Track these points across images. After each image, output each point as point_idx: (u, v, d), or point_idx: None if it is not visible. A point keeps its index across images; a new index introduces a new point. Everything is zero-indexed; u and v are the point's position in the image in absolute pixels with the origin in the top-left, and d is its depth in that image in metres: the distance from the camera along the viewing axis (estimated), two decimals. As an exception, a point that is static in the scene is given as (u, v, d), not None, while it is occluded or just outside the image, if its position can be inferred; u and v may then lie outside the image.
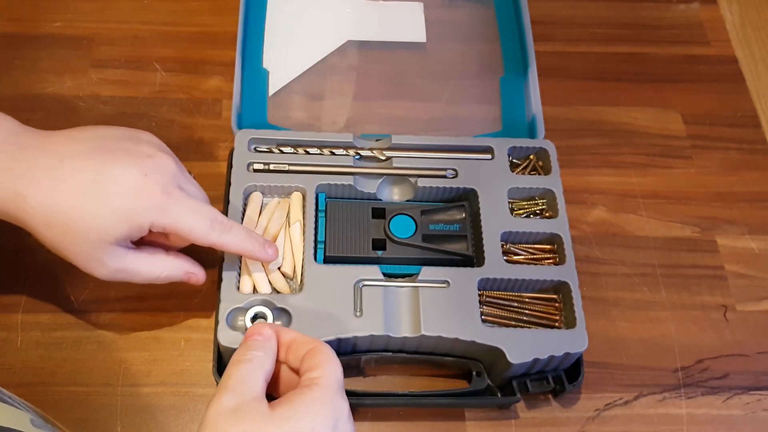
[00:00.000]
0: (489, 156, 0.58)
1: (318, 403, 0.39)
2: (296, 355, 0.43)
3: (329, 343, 0.49)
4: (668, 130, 0.68)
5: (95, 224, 0.44)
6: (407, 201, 0.58)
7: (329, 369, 0.41)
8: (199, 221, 0.47)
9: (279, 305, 0.50)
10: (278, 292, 0.52)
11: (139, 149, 0.47)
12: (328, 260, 0.53)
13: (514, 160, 0.60)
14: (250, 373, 0.41)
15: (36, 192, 0.44)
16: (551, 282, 0.54)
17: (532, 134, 0.62)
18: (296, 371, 0.43)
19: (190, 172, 0.51)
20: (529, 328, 0.53)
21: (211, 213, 0.48)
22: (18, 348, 0.53)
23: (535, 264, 0.55)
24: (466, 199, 0.57)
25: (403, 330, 0.50)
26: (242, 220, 0.54)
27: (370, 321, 0.50)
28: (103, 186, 0.45)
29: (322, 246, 0.54)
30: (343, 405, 0.41)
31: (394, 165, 0.57)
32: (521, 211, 0.57)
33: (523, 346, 0.50)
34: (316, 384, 0.40)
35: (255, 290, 0.52)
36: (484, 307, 0.53)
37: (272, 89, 0.64)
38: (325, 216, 0.55)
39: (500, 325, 0.53)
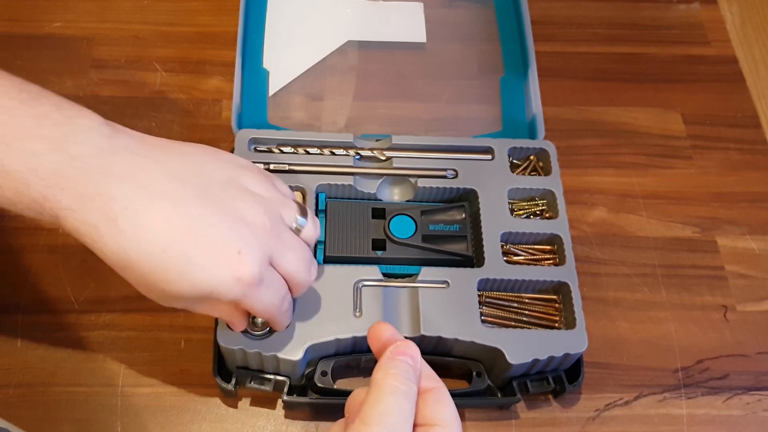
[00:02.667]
0: (489, 156, 0.58)
1: None
2: None
3: (329, 343, 0.49)
4: (668, 130, 0.68)
5: (173, 290, 0.39)
6: (407, 201, 0.58)
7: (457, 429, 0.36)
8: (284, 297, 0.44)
9: (279, 305, 0.50)
10: (278, 293, 0.52)
11: (238, 206, 0.41)
12: (327, 260, 0.53)
13: (514, 161, 0.60)
14: (406, 411, 0.35)
15: (114, 236, 0.38)
16: (551, 282, 0.54)
17: (532, 134, 0.62)
18: None
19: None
20: (528, 328, 0.53)
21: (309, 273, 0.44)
22: (18, 348, 0.53)
23: (535, 264, 0.55)
24: (466, 199, 0.57)
25: (403, 330, 0.50)
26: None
27: (370, 321, 0.50)
28: (192, 257, 0.39)
29: (322, 246, 0.54)
30: None
31: (394, 165, 0.57)
32: (521, 212, 0.57)
33: (522, 347, 0.50)
34: None
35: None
36: (484, 307, 0.53)
37: (272, 89, 0.64)
38: (325, 216, 0.55)
39: (500, 325, 0.53)
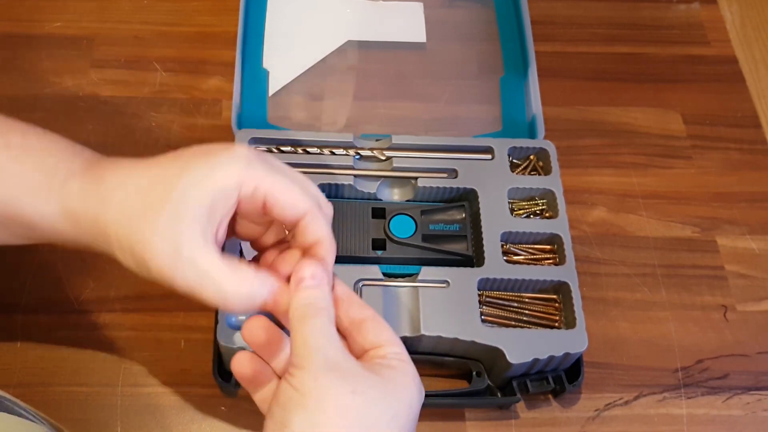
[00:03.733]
0: (489, 156, 0.58)
1: (413, 381, 0.36)
2: (343, 316, 0.38)
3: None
4: (668, 130, 0.68)
5: (176, 194, 0.36)
6: (407, 201, 0.58)
7: (405, 350, 0.37)
8: (302, 185, 0.39)
9: (279, 305, 0.50)
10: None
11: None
12: (328, 260, 0.53)
13: (514, 161, 0.60)
14: (328, 328, 0.36)
15: (111, 191, 0.37)
16: (551, 282, 0.54)
17: (532, 134, 0.62)
18: (341, 332, 0.38)
19: None
20: (528, 328, 0.53)
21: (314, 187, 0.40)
22: (18, 348, 0.53)
23: (535, 264, 0.55)
24: (466, 199, 0.57)
25: (403, 330, 0.50)
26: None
27: (370, 321, 0.50)
28: (178, 165, 0.37)
29: (322, 246, 0.54)
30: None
31: (394, 165, 0.57)
32: (521, 212, 0.57)
33: (522, 346, 0.50)
34: (404, 361, 0.37)
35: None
36: (484, 307, 0.53)
37: (272, 89, 0.64)
38: (325, 216, 0.55)
39: (500, 325, 0.53)
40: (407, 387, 0.36)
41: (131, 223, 0.36)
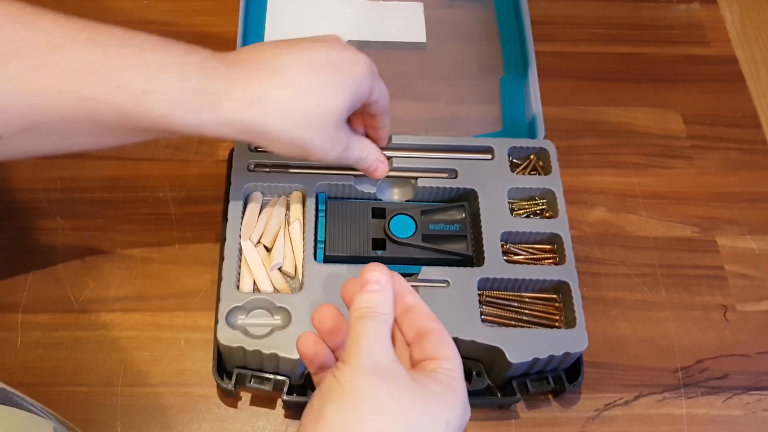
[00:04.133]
0: (489, 156, 0.58)
1: (458, 399, 0.37)
2: (411, 325, 0.40)
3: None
4: (668, 130, 0.68)
5: (328, 100, 0.44)
6: (407, 201, 0.58)
7: (460, 370, 0.38)
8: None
9: (279, 304, 0.50)
10: (278, 291, 0.52)
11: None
12: (328, 260, 0.53)
13: (514, 160, 0.60)
14: (381, 332, 0.37)
15: (270, 88, 0.43)
16: (551, 282, 0.54)
17: (532, 134, 0.62)
18: (406, 341, 0.40)
19: None
20: (528, 327, 0.53)
21: None
22: (18, 348, 0.53)
23: (535, 264, 0.55)
24: (466, 199, 0.57)
25: (403, 330, 0.50)
26: (242, 219, 0.54)
27: (370, 321, 0.50)
28: (322, 68, 0.45)
29: (322, 245, 0.54)
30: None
31: (394, 165, 0.57)
32: (521, 211, 0.57)
33: (522, 346, 0.50)
34: (454, 379, 0.37)
35: (255, 289, 0.52)
36: (484, 306, 0.53)
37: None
38: (325, 216, 0.55)
39: (500, 324, 0.53)
40: (448, 403, 0.36)
41: (293, 131, 0.44)
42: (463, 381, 0.38)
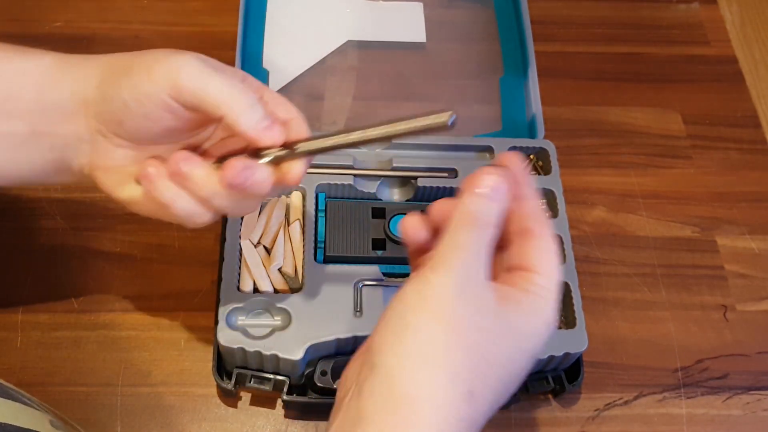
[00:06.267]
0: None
1: (546, 328, 0.33)
2: (517, 218, 0.34)
3: (329, 343, 0.49)
4: (668, 130, 0.68)
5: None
6: (407, 201, 0.58)
7: (556, 291, 0.33)
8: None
9: (279, 305, 0.50)
10: (278, 292, 0.52)
11: None
12: (328, 260, 0.53)
13: (514, 160, 0.60)
14: (483, 247, 0.33)
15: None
16: (551, 282, 0.53)
17: (532, 134, 0.62)
18: (505, 235, 0.35)
19: None
20: (529, 328, 0.53)
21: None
22: (18, 348, 0.53)
23: (535, 264, 0.55)
24: (466, 199, 0.57)
25: (403, 330, 0.50)
26: (242, 219, 0.54)
27: (370, 321, 0.50)
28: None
29: (322, 246, 0.54)
30: None
31: (394, 165, 0.57)
32: (521, 211, 0.57)
33: (522, 346, 0.50)
34: (546, 299, 0.33)
35: (255, 289, 0.52)
36: (484, 307, 0.53)
37: (272, 89, 0.64)
38: (325, 216, 0.55)
39: (500, 325, 0.53)
40: (531, 337, 0.33)
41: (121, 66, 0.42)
42: (556, 306, 0.34)
